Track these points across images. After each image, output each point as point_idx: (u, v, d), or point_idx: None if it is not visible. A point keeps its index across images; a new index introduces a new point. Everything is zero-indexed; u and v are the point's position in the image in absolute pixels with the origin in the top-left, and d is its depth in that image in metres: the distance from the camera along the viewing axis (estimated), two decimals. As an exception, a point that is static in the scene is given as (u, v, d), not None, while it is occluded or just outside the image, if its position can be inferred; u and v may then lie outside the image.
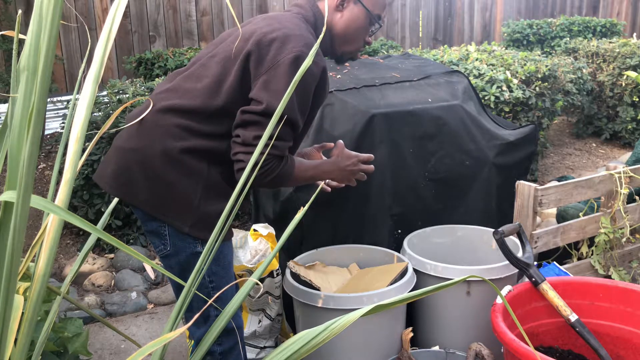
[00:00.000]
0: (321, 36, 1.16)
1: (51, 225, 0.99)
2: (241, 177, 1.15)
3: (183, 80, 1.76)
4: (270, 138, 1.58)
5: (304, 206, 1.29)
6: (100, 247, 3.44)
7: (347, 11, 1.85)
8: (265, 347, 2.45)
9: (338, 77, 2.63)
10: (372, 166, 1.99)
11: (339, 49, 1.89)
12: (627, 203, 2.56)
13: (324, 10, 1.83)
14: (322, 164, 1.92)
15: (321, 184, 1.56)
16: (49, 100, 4.46)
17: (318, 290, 2.19)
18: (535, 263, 2.14)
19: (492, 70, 3.84)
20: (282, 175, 1.70)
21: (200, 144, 1.68)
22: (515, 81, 3.82)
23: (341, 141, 1.97)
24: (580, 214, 2.62)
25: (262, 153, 1.58)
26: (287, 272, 2.23)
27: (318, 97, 1.77)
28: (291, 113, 1.65)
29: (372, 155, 2.01)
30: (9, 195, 0.92)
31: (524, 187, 2.34)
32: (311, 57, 1.11)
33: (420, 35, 7.22)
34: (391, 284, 2.15)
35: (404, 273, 2.21)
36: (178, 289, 1.83)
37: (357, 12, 1.85)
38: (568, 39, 5.77)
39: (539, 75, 3.96)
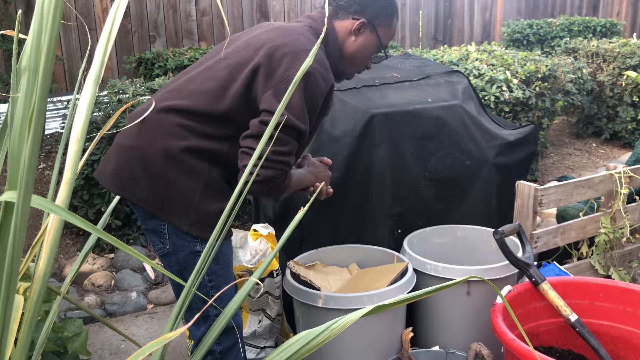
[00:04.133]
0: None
1: (51, 225, 0.99)
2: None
3: (187, 82, 1.76)
4: (279, 154, 1.65)
5: (304, 206, 1.29)
6: (100, 247, 3.44)
7: (362, 37, 1.86)
8: (265, 347, 2.45)
9: (338, 77, 2.63)
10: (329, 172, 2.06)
11: (343, 68, 1.91)
12: (627, 203, 2.56)
13: (339, 30, 1.85)
14: (305, 175, 1.94)
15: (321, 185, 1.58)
16: (49, 100, 4.45)
17: (318, 290, 2.19)
18: (535, 263, 2.14)
19: (492, 70, 3.83)
20: (282, 187, 1.74)
21: (201, 144, 1.69)
22: (515, 81, 3.82)
23: (309, 154, 2.02)
24: (580, 214, 2.62)
25: (268, 167, 1.63)
26: (287, 272, 2.23)
27: (321, 113, 1.79)
28: (304, 127, 1.67)
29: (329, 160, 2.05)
30: (9, 196, 0.91)
31: (524, 187, 2.34)
32: (311, 57, 1.10)
33: (420, 35, 7.23)
34: (391, 284, 2.15)
35: (404, 273, 2.21)
36: (177, 287, 1.84)
37: (370, 40, 1.87)
38: (568, 39, 5.77)
39: (539, 75, 3.96)
